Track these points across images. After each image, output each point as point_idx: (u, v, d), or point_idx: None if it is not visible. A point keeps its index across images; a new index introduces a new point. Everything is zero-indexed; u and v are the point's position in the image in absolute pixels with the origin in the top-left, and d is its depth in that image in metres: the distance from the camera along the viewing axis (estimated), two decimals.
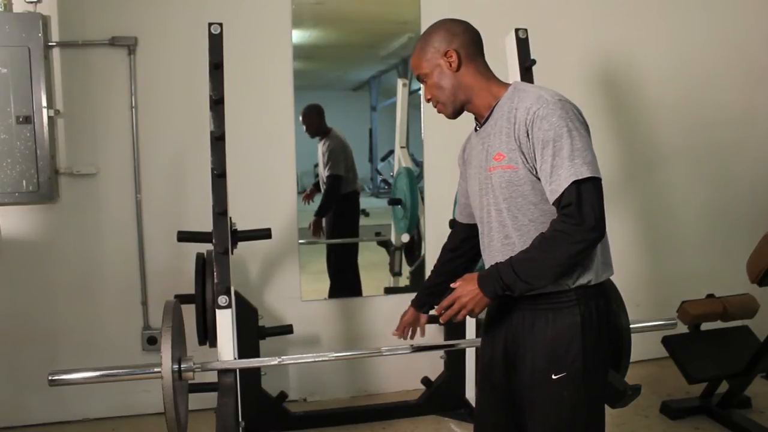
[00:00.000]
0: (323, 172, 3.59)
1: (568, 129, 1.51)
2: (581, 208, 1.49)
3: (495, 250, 1.69)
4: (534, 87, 1.64)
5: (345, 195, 3.67)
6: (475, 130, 1.75)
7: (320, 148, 3.57)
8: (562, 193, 1.50)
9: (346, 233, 3.70)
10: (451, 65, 1.67)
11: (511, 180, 1.60)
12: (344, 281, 3.67)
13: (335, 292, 3.57)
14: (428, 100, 1.75)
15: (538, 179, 1.56)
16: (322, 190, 3.60)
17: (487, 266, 1.73)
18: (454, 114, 1.72)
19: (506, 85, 1.70)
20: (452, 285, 1.66)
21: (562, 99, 1.57)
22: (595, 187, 1.51)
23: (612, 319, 1.73)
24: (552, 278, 1.55)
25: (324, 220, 3.62)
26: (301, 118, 3.43)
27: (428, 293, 2.07)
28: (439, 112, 1.74)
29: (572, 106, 1.57)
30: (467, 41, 1.69)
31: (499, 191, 1.63)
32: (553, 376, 1.61)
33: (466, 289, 1.62)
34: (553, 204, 1.53)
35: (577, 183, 1.49)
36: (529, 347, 1.66)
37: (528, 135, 1.55)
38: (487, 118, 1.68)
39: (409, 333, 2.12)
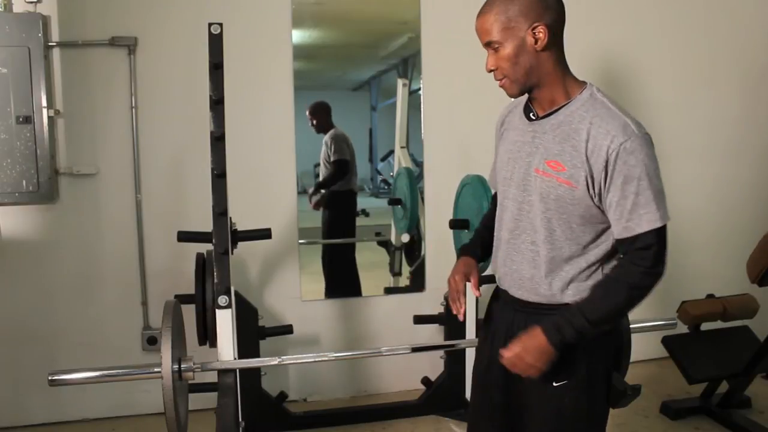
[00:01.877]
0: (325, 163, 3.57)
1: (654, 167, 1.46)
2: (659, 254, 1.50)
3: (514, 248, 1.61)
4: (615, 108, 1.49)
5: (342, 194, 3.66)
6: (528, 117, 1.58)
7: (324, 140, 3.57)
8: (639, 235, 1.47)
9: (343, 233, 3.69)
10: (537, 42, 1.47)
11: (563, 195, 1.50)
12: (342, 281, 3.66)
13: (331, 292, 3.56)
14: (490, 71, 1.54)
15: (595, 205, 1.49)
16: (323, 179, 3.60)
17: (497, 258, 1.67)
18: (520, 94, 1.55)
19: (581, 85, 1.54)
20: (505, 353, 1.52)
21: (647, 133, 1.47)
22: (666, 233, 1.52)
23: (617, 326, 1.70)
24: (618, 320, 1.55)
25: (322, 219, 3.60)
26: (309, 114, 3.45)
27: (482, 246, 1.81)
28: (501, 86, 1.55)
29: (650, 139, 1.48)
30: (559, 20, 1.49)
31: (542, 197, 1.53)
32: (554, 384, 1.56)
33: (529, 345, 1.50)
34: (620, 240, 1.49)
35: (660, 228, 1.48)
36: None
37: (607, 164, 1.44)
38: (550, 114, 1.53)
39: (466, 288, 1.75)
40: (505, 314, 1.68)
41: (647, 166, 1.44)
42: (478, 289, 1.71)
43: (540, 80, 1.51)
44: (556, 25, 1.48)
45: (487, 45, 1.51)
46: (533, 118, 1.57)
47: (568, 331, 1.47)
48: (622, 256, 1.54)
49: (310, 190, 3.58)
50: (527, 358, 1.50)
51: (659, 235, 1.49)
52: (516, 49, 1.47)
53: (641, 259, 1.48)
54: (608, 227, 1.53)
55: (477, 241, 1.83)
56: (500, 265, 1.68)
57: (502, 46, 1.48)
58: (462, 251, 1.83)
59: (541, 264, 1.57)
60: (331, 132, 3.56)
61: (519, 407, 1.65)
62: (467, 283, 1.72)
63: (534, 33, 1.46)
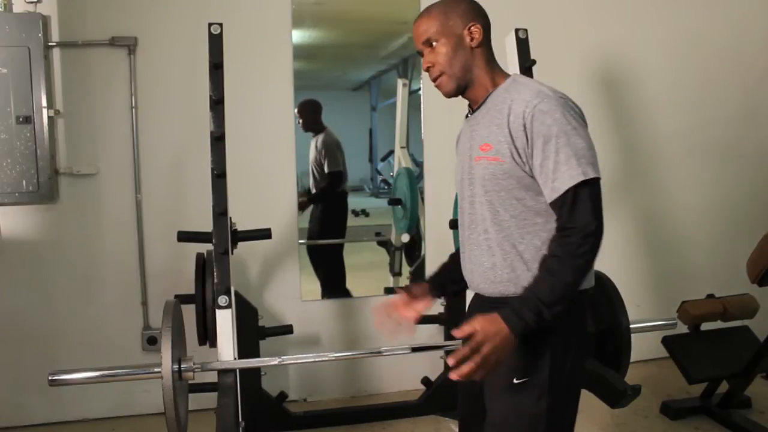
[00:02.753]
0: (315, 169, 3.56)
1: (572, 126, 1.45)
2: (588, 211, 1.43)
3: (473, 243, 1.61)
4: (533, 81, 1.59)
5: (333, 194, 3.64)
6: (466, 116, 1.67)
7: (313, 143, 3.55)
8: (565, 193, 1.43)
9: (333, 233, 3.67)
10: (472, 40, 1.58)
11: (495, 173, 1.52)
12: (331, 281, 3.65)
13: (325, 292, 3.55)
14: (427, 69, 1.61)
15: (528, 175, 1.49)
16: (314, 185, 3.57)
17: (464, 261, 1.65)
18: (456, 91, 1.61)
19: (506, 76, 1.62)
20: (457, 333, 1.42)
21: (563, 96, 1.51)
22: (597, 189, 1.46)
23: (578, 318, 1.59)
24: (574, 294, 1.46)
25: (312, 218, 3.58)
26: (296, 111, 3.42)
27: (449, 278, 1.80)
28: (437, 85, 1.62)
29: (574, 104, 1.52)
30: (487, 25, 1.61)
31: (481, 183, 1.56)
32: (515, 380, 1.51)
33: (488, 330, 1.39)
34: (552, 203, 1.47)
35: (582, 184, 1.43)
36: None
37: (525, 128, 1.47)
38: (480, 106, 1.60)
39: (401, 316, 1.77)
40: (483, 312, 1.57)
41: (563, 124, 1.45)
42: (413, 317, 1.74)
43: (473, 77, 1.59)
44: (486, 28, 1.60)
45: (425, 44, 1.60)
46: (469, 115, 1.65)
47: (527, 314, 1.40)
48: (557, 224, 1.48)
49: (302, 200, 3.52)
50: (488, 345, 1.37)
51: (586, 191, 1.43)
52: (454, 45, 1.57)
53: (572, 224, 1.43)
54: None
55: (439, 269, 1.84)
56: (466, 265, 1.66)
57: (440, 42, 1.58)
58: (428, 279, 1.85)
59: (495, 249, 1.55)
60: (323, 137, 3.54)
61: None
62: (403, 303, 1.77)
63: (470, 31, 1.57)
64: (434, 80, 1.61)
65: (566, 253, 1.43)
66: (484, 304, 1.60)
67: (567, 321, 1.50)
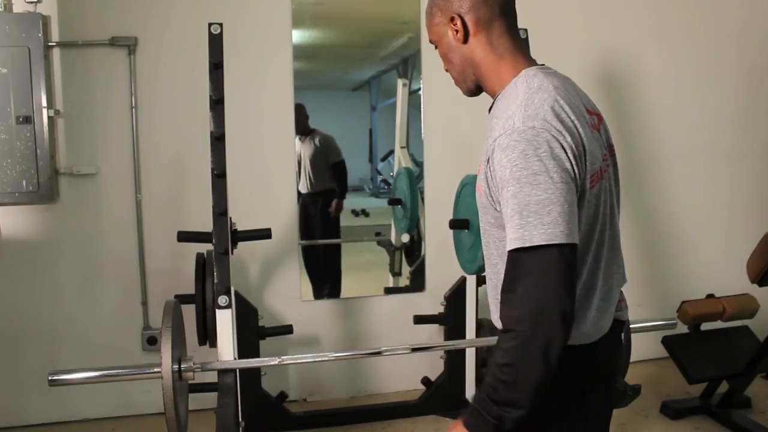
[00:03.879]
0: (314, 166, 3.54)
1: (530, 172, 1.13)
2: (515, 291, 1.13)
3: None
4: (525, 94, 1.23)
5: (326, 193, 3.62)
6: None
7: (308, 142, 3.53)
8: (508, 258, 1.16)
9: (329, 233, 3.66)
10: (457, 35, 1.33)
11: (481, 204, 1.31)
12: (328, 281, 3.64)
13: (316, 292, 3.54)
14: (446, 70, 1.43)
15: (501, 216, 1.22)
16: (311, 185, 3.56)
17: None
18: (471, 93, 1.40)
19: (515, 71, 1.32)
20: None
21: (536, 126, 1.16)
22: (552, 258, 1.11)
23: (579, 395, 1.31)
24: (531, 396, 1.13)
25: (301, 217, 3.53)
26: None
27: None
28: (457, 86, 1.43)
29: (550, 135, 1.16)
30: (476, 7, 1.31)
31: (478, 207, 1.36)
32: None
33: None
34: None
35: (518, 252, 1.13)
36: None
37: (489, 166, 1.22)
38: (492, 106, 1.35)
39: None
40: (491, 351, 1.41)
41: (518, 167, 1.14)
42: None
43: (477, 74, 1.36)
44: (475, 9, 1.31)
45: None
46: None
47: (488, 419, 1.15)
48: None
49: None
50: None
51: (529, 263, 1.12)
52: (446, 46, 1.37)
53: (504, 305, 1.16)
54: None
55: None
56: None
57: (438, 46, 1.40)
58: None
59: (488, 279, 1.39)
60: (319, 135, 3.53)
61: None
62: None
63: (453, 26, 1.33)
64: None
65: (499, 346, 1.16)
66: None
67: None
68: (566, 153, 1.17)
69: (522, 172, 1.14)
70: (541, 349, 1.11)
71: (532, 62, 1.35)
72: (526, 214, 1.12)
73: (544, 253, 1.11)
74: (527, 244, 1.12)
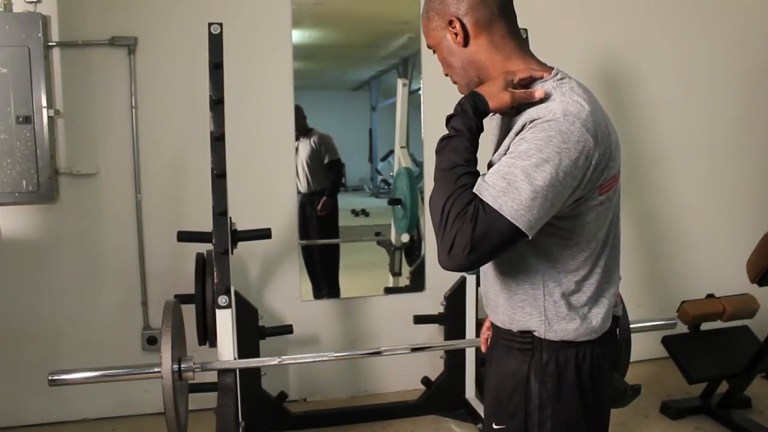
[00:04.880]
0: (310, 165, 3.53)
1: (543, 156, 1.14)
2: (460, 216, 1.15)
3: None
4: (570, 90, 1.24)
5: (322, 192, 3.61)
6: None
7: (306, 142, 3.53)
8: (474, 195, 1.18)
9: (326, 233, 3.66)
10: (456, 38, 1.31)
11: None
12: (325, 281, 3.64)
13: (316, 292, 3.54)
14: (446, 75, 1.41)
15: None
16: (308, 184, 3.55)
17: (481, 277, 1.48)
18: None
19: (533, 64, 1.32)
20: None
21: (574, 124, 1.17)
22: (498, 226, 1.14)
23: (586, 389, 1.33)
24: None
25: (299, 218, 3.53)
26: None
27: None
28: (460, 92, 1.39)
29: (582, 140, 1.17)
30: (475, 8, 1.29)
31: None
32: (494, 425, 1.37)
33: None
34: None
35: (483, 203, 1.15)
36: (486, 385, 1.46)
37: (510, 142, 1.23)
38: None
39: None
40: (491, 350, 1.49)
41: (536, 147, 1.17)
42: (488, 343, 1.54)
43: (483, 76, 1.33)
44: (474, 10, 1.29)
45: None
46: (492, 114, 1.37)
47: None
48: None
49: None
50: None
51: (478, 211, 1.15)
52: (446, 50, 1.34)
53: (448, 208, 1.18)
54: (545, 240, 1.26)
55: None
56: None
57: (436, 51, 1.37)
58: None
59: (490, 277, 1.40)
60: (317, 134, 3.52)
61: None
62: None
63: (452, 29, 1.31)
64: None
65: (448, 191, 1.19)
66: (495, 334, 1.46)
67: (553, 372, 1.30)
68: (587, 161, 1.18)
69: (536, 153, 1.15)
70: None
71: (541, 62, 1.36)
72: (513, 185, 1.14)
73: (497, 218, 1.14)
74: (494, 205, 1.14)
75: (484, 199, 1.15)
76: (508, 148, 1.22)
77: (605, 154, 1.22)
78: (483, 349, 1.60)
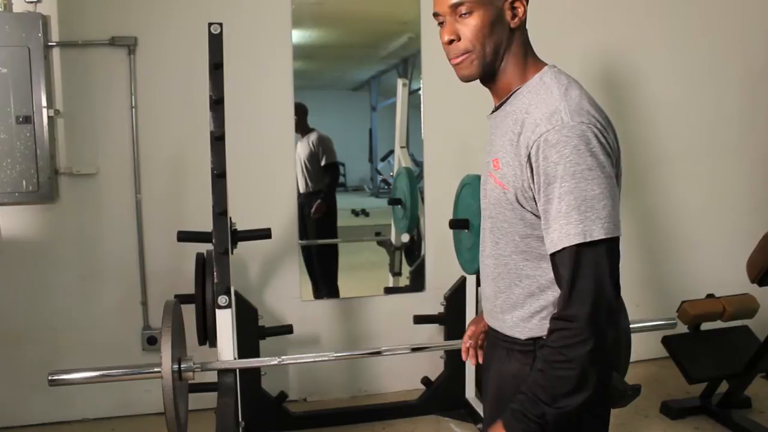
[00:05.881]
0: (309, 165, 3.52)
1: (586, 166, 1.15)
2: (574, 288, 1.15)
3: (482, 264, 1.42)
4: (560, 92, 1.24)
5: (321, 193, 3.62)
6: (492, 112, 1.37)
7: (306, 141, 3.52)
8: (556, 254, 1.18)
9: (325, 233, 3.65)
10: (514, 17, 1.27)
11: (499, 199, 1.29)
12: (324, 281, 3.64)
13: (317, 292, 3.54)
14: (449, 42, 1.29)
15: (532, 213, 1.24)
16: (306, 184, 3.55)
17: (482, 278, 1.46)
18: (477, 77, 1.31)
19: (539, 68, 1.32)
20: None
21: (584, 122, 1.18)
22: (607, 253, 1.15)
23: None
24: (581, 391, 1.16)
25: (299, 218, 3.53)
26: None
27: None
28: (456, 64, 1.31)
29: (597, 130, 1.18)
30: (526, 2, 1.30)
31: (489, 203, 1.34)
32: None
33: None
34: (551, 257, 1.22)
35: (579, 248, 1.14)
36: (487, 385, 1.46)
37: (530, 160, 1.20)
38: (503, 103, 1.32)
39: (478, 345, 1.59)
40: (489, 351, 1.47)
41: (572, 163, 1.15)
42: (469, 353, 1.55)
43: (504, 65, 1.30)
44: (526, 8, 1.29)
45: (453, 8, 1.26)
46: (494, 112, 1.36)
47: (530, 418, 1.18)
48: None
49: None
50: None
51: (582, 258, 1.14)
52: (491, 19, 1.25)
53: (559, 305, 1.18)
54: None
55: None
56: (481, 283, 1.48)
57: (473, 14, 1.25)
58: None
59: (490, 281, 1.38)
60: (316, 134, 3.52)
61: None
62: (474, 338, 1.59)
63: (513, 6, 1.27)
64: (455, 58, 1.30)
65: (559, 345, 1.17)
66: (493, 337, 1.44)
67: None
68: (610, 148, 1.21)
69: (576, 168, 1.15)
70: (600, 350, 1.15)
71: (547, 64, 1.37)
72: (584, 209, 1.14)
73: (602, 247, 1.15)
74: (588, 239, 1.14)
75: (576, 244, 1.15)
76: (521, 162, 1.22)
77: (613, 135, 1.25)
78: (464, 357, 1.59)
